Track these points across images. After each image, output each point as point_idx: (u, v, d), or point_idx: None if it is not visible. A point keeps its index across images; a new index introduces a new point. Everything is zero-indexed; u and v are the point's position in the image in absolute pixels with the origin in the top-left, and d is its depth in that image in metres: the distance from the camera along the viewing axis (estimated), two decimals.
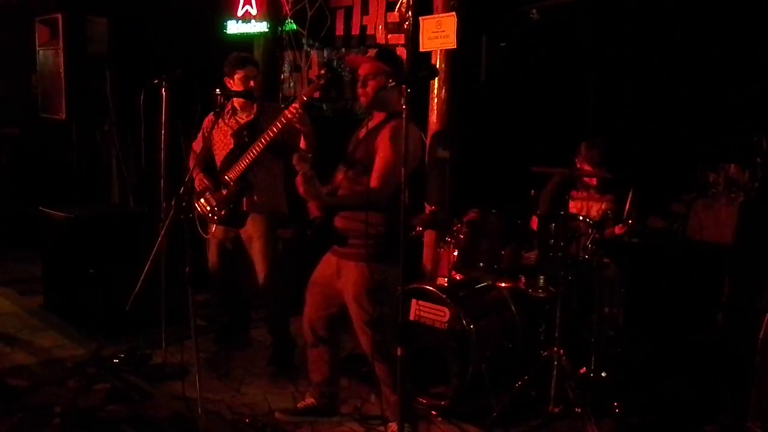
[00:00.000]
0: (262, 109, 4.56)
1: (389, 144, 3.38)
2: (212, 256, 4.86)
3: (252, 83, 4.55)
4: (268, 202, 4.56)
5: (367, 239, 3.37)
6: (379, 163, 3.39)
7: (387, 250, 3.36)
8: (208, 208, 4.58)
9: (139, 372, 4.51)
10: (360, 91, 3.54)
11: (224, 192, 4.50)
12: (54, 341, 5.06)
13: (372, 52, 3.47)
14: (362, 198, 3.38)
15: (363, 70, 3.54)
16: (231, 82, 4.56)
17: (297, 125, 3.82)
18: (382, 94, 3.39)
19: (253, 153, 4.29)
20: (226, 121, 4.63)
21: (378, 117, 3.56)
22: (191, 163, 4.66)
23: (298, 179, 3.45)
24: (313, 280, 3.78)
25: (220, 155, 4.61)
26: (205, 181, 4.62)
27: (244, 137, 4.44)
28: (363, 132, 3.59)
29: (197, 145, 4.75)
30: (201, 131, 4.78)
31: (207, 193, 4.59)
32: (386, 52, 3.66)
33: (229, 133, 4.55)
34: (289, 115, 3.81)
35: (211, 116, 4.67)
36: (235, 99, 4.61)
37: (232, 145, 4.52)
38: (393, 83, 3.20)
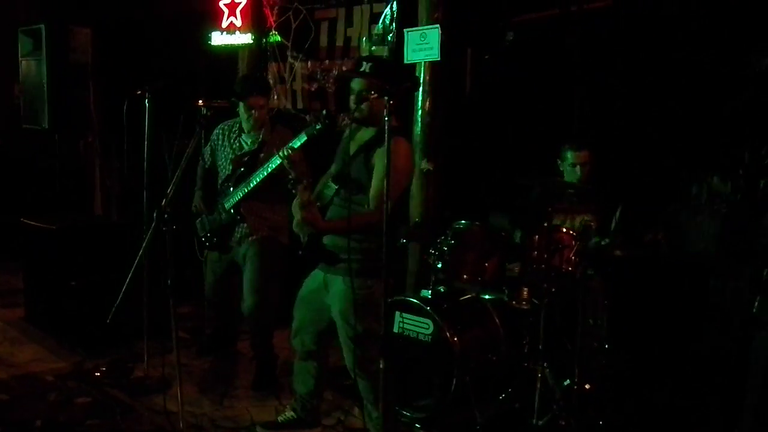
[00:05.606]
0: (268, 136, 4.47)
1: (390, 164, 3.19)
2: (209, 273, 4.84)
3: (255, 113, 4.41)
4: (261, 230, 4.50)
5: (353, 254, 3.32)
6: (379, 185, 3.25)
7: (373, 264, 3.30)
8: (202, 232, 4.63)
9: (121, 385, 4.48)
10: (354, 106, 3.35)
11: (216, 218, 4.52)
12: (35, 354, 5.01)
13: (351, 64, 3.34)
14: (359, 220, 3.29)
15: (358, 85, 3.38)
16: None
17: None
18: (375, 110, 3.31)
19: (247, 186, 4.26)
20: (231, 141, 4.60)
21: (366, 132, 3.47)
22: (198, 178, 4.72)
23: (297, 206, 3.32)
24: (301, 297, 3.75)
25: (221, 174, 4.61)
26: (201, 203, 4.67)
27: (240, 166, 4.40)
28: (352, 147, 3.47)
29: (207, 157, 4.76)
30: (210, 142, 4.74)
31: (204, 215, 4.63)
32: (380, 65, 3.48)
33: (231, 156, 4.53)
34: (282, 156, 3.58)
35: (220, 128, 4.66)
36: (244, 121, 4.52)
37: (230, 170, 4.49)
38: (375, 95, 3.15)
